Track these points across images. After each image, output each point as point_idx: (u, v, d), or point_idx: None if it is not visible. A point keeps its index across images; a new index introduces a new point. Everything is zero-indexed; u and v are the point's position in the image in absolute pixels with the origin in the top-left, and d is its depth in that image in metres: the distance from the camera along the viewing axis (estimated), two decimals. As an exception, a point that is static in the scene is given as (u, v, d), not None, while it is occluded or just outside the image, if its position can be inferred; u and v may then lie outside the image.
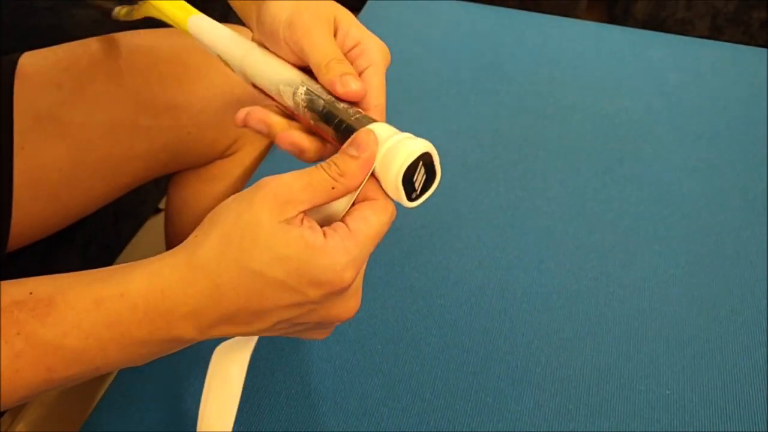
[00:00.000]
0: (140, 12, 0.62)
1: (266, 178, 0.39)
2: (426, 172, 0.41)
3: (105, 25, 0.94)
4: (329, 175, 0.39)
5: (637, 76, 0.99)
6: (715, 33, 1.54)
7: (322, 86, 0.46)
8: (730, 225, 0.77)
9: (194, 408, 0.60)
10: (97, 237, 0.96)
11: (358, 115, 0.43)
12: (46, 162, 0.70)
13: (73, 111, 0.71)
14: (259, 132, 0.48)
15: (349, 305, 0.41)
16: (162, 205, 1.20)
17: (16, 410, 1.03)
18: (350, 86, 0.44)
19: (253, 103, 0.76)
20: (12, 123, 0.69)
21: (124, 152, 0.73)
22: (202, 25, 0.54)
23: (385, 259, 0.72)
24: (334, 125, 0.43)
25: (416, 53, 1.01)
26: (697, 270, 0.72)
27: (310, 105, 0.45)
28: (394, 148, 0.40)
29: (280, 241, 0.37)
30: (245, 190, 0.39)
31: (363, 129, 0.41)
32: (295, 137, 0.45)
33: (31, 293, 0.38)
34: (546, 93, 0.96)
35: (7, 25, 0.58)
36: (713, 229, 0.77)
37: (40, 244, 0.76)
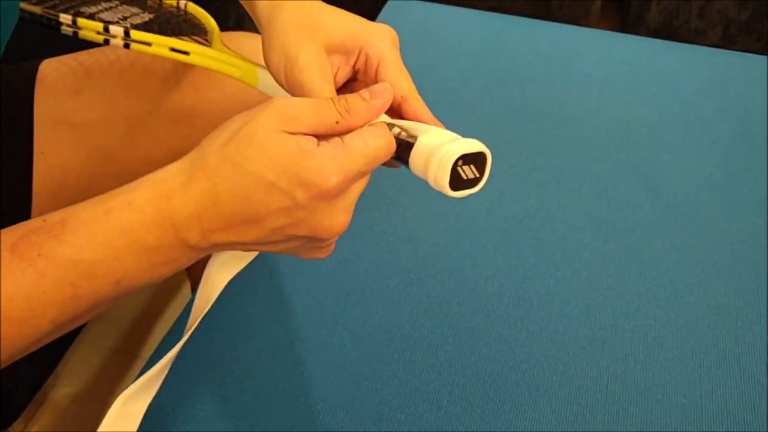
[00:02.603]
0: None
1: (276, 98, 0.41)
2: (471, 161, 0.43)
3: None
4: (337, 109, 0.41)
5: (650, 85, 0.99)
6: (727, 42, 1.54)
7: None
8: (746, 233, 0.77)
9: (211, 414, 0.60)
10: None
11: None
12: (66, 168, 0.71)
13: (93, 117, 0.71)
14: None
15: (339, 219, 0.42)
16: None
17: (29, 414, 1.03)
18: None
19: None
20: (32, 129, 0.69)
21: (142, 158, 0.73)
22: (264, 81, 0.55)
23: (402, 266, 0.72)
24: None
25: (429, 61, 1.01)
26: (713, 278, 0.72)
27: None
28: (428, 161, 0.42)
29: (274, 145, 0.39)
30: (253, 108, 0.41)
31: (385, 84, 0.43)
32: None
33: (44, 220, 0.40)
34: (560, 101, 0.96)
35: (26, 31, 0.59)
36: (729, 237, 0.77)
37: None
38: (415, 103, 0.48)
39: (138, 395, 0.49)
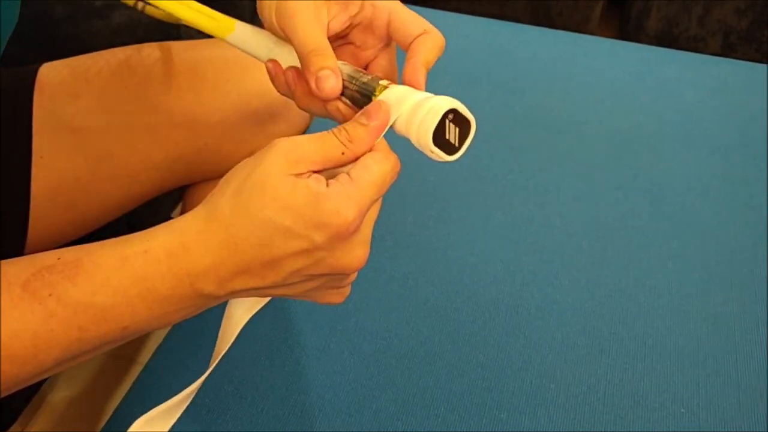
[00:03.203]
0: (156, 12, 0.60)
1: (279, 138, 0.41)
2: (457, 124, 0.42)
3: (122, 35, 0.95)
4: (339, 140, 0.41)
5: (650, 93, 0.99)
6: (727, 50, 1.54)
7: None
8: (744, 242, 0.77)
9: (207, 420, 0.60)
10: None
11: (372, 81, 0.45)
12: (64, 171, 0.71)
13: (92, 121, 0.71)
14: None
15: (357, 254, 0.42)
16: (174, 215, 1.21)
17: (26, 418, 1.03)
18: (322, 87, 0.45)
19: (271, 115, 0.77)
20: (31, 133, 0.69)
21: (141, 163, 0.73)
22: (239, 33, 0.54)
23: (400, 272, 0.72)
24: (356, 94, 0.45)
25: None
26: (711, 287, 0.72)
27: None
28: (417, 108, 0.42)
29: (287, 191, 0.39)
30: (259, 151, 0.41)
31: (375, 101, 0.43)
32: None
33: (59, 258, 0.40)
34: (560, 108, 0.96)
35: (26, 35, 0.59)
36: (727, 246, 0.77)
37: (54, 252, 0.76)
38: (401, 14, 0.47)
39: (157, 420, 0.49)
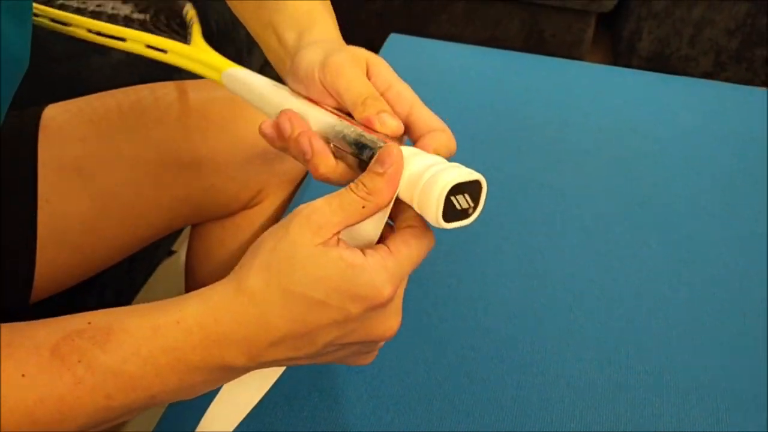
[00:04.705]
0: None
1: (300, 206, 0.41)
2: (469, 199, 0.41)
3: (123, 71, 0.94)
4: (358, 195, 0.41)
5: (648, 119, 1.00)
6: (718, 70, 1.56)
7: (359, 125, 0.46)
8: (754, 270, 0.77)
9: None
10: (111, 282, 0.95)
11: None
12: (70, 214, 0.70)
13: (98, 164, 0.71)
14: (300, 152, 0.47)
15: (390, 323, 0.42)
16: (175, 247, 1.20)
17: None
18: (388, 124, 0.45)
19: (277, 154, 0.76)
20: (36, 175, 0.68)
21: (148, 204, 0.73)
22: (237, 76, 0.54)
23: (415, 309, 0.71)
24: (367, 157, 0.44)
25: (425, 97, 1.01)
26: (726, 318, 0.72)
27: (346, 141, 0.45)
28: (436, 174, 0.40)
29: (318, 263, 0.39)
30: (282, 220, 0.41)
31: (386, 145, 0.42)
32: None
33: (89, 323, 0.40)
34: (558, 137, 0.96)
35: (30, 75, 0.58)
36: (739, 274, 0.77)
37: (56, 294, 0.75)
38: (421, 110, 0.47)
39: None
